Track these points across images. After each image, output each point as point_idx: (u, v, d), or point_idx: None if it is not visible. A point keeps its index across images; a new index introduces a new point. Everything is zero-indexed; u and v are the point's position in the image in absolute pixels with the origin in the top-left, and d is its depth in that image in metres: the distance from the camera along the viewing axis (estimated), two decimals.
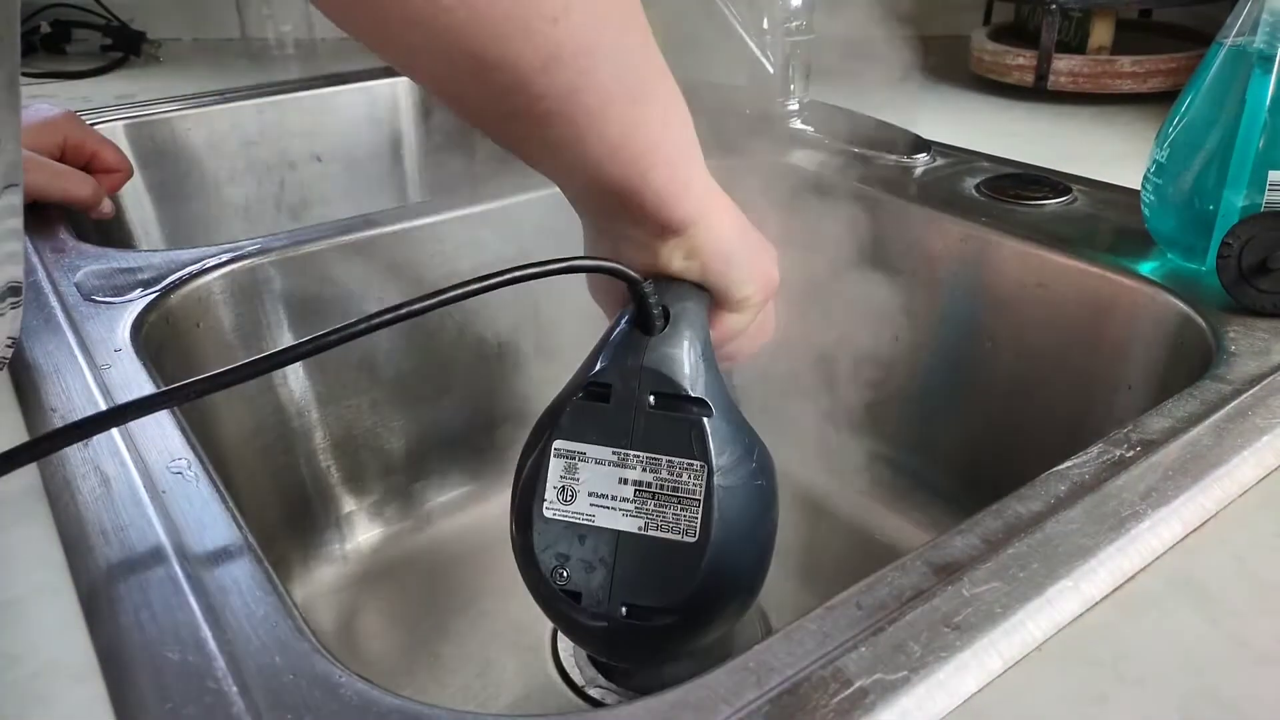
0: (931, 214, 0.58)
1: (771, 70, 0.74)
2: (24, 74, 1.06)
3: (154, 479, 0.33)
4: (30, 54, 1.06)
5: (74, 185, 0.57)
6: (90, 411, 0.36)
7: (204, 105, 0.83)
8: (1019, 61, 0.85)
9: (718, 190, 0.34)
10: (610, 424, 0.31)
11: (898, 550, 0.59)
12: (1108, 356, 0.50)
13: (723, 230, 0.33)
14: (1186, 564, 0.29)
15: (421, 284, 0.59)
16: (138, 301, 0.46)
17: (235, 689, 0.24)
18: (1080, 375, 0.51)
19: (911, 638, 0.25)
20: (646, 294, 0.31)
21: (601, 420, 0.31)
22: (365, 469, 0.61)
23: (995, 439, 0.57)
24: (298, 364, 0.56)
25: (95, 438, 0.35)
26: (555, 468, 0.31)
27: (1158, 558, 0.29)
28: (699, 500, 0.30)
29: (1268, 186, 0.44)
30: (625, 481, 0.30)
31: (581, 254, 0.34)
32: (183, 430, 0.36)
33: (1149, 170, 0.49)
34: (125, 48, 1.05)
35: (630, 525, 0.30)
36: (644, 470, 0.30)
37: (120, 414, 0.30)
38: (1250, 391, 0.37)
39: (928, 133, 0.70)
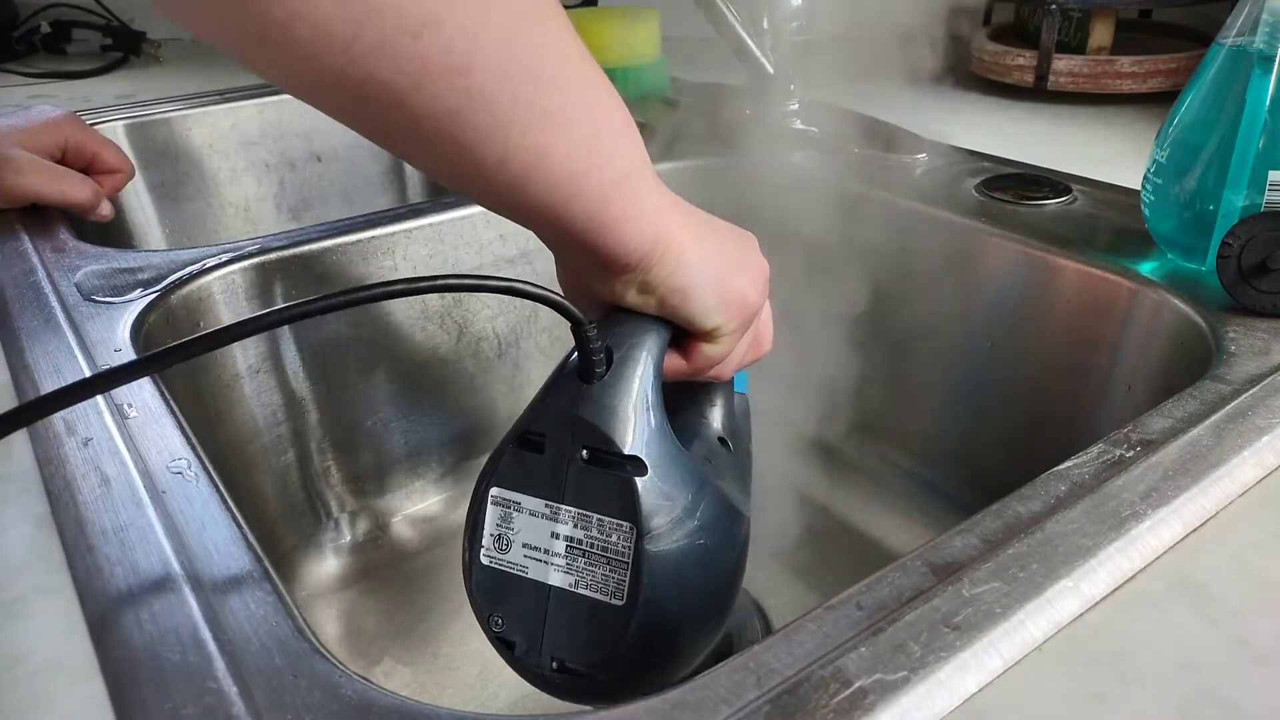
0: (931, 214, 0.58)
1: (771, 70, 0.74)
2: (24, 74, 1.06)
3: (154, 479, 0.33)
4: (30, 54, 1.06)
5: (72, 188, 0.57)
6: (90, 413, 0.36)
7: (204, 105, 0.83)
8: (1019, 62, 0.85)
9: (676, 214, 0.31)
10: (543, 476, 0.30)
11: (898, 550, 0.59)
12: (1108, 356, 0.50)
13: (679, 262, 0.30)
14: (1186, 564, 0.29)
15: None
16: (138, 301, 0.46)
17: (235, 689, 0.24)
18: (1080, 375, 0.51)
19: (911, 638, 0.25)
20: (587, 338, 0.29)
21: (535, 471, 0.30)
22: (365, 469, 0.61)
23: (995, 439, 0.57)
24: (298, 364, 0.56)
25: (95, 438, 0.35)
26: (492, 515, 0.30)
27: (1158, 558, 0.29)
28: (627, 563, 0.28)
29: (1268, 186, 0.44)
30: (557, 536, 0.29)
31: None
32: (183, 430, 0.36)
33: (1149, 170, 0.49)
34: (125, 48, 1.05)
35: (561, 581, 0.29)
36: (575, 526, 0.29)
37: (90, 385, 0.27)
38: (1250, 391, 0.37)
39: (927, 133, 0.70)
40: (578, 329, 0.29)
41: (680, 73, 0.89)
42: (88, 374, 0.39)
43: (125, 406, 0.37)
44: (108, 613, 0.27)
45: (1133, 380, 0.48)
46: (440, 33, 0.22)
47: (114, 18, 1.06)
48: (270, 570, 0.29)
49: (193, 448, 0.34)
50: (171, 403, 0.37)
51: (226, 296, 0.52)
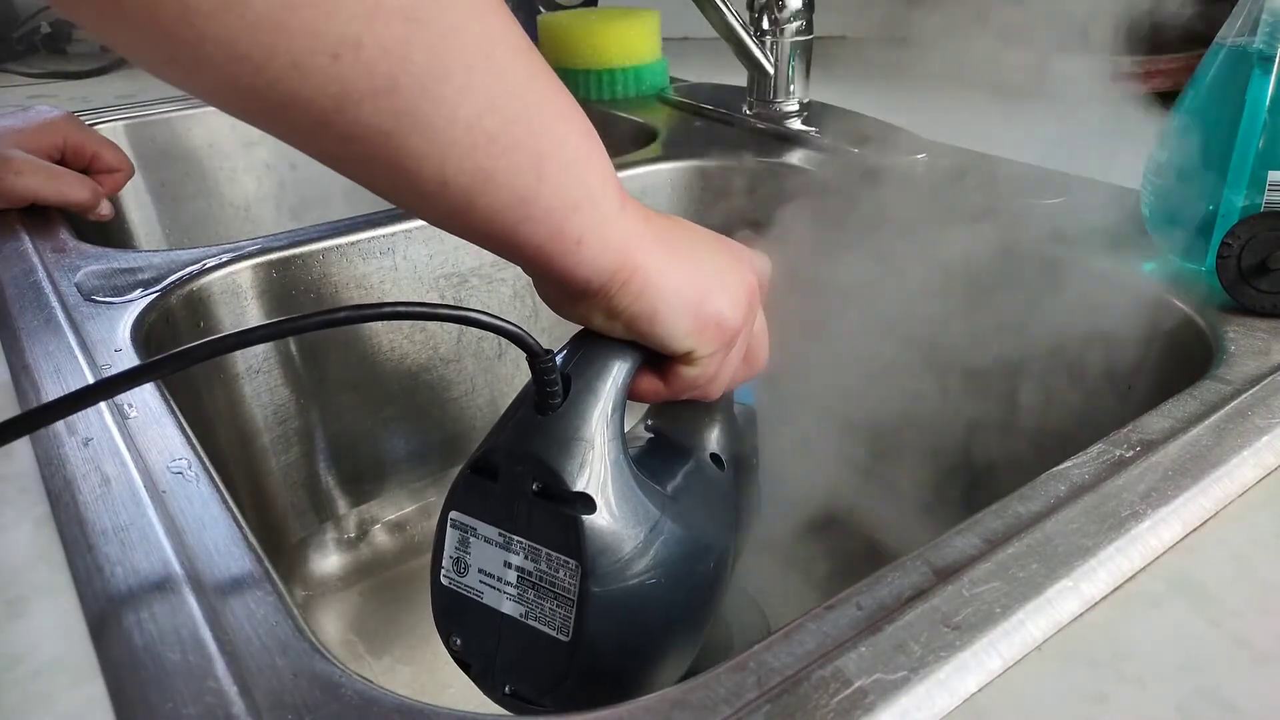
0: (930, 214, 0.58)
1: (771, 70, 0.74)
2: (24, 74, 1.06)
3: (155, 479, 0.33)
4: (30, 54, 1.06)
5: (71, 188, 0.57)
6: (90, 413, 0.36)
7: (204, 106, 0.83)
8: (1019, 61, 0.85)
9: (645, 235, 0.29)
10: (497, 504, 0.29)
11: (898, 550, 0.59)
12: (1107, 356, 0.50)
13: (646, 285, 0.28)
14: (1186, 564, 0.29)
15: (421, 283, 0.59)
16: (138, 302, 0.46)
17: (236, 689, 0.24)
18: (1080, 375, 0.51)
19: (911, 638, 0.25)
20: (542, 369, 0.28)
21: (491, 498, 0.29)
22: (366, 468, 0.61)
23: (995, 438, 0.57)
24: (298, 364, 0.56)
25: (96, 438, 0.35)
26: (451, 538, 0.30)
27: (1157, 558, 0.29)
28: (572, 601, 0.28)
29: (1267, 186, 0.44)
30: (509, 565, 0.29)
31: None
32: (183, 430, 0.36)
33: (1148, 170, 0.49)
34: None
35: (513, 610, 0.29)
36: (525, 558, 0.29)
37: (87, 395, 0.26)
38: (1250, 391, 0.37)
39: (926, 133, 0.70)
40: (533, 360, 0.28)
41: (680, 73, 0.89)
42: (88, 374, 0.39)
43: (126, 406, 0.37)
44: (108, 613, 0.27)
45: (1132, 380, 0.48)
46: (360, 55, 0.21)
47: None
48: (270, 570, 0.29)
49: (193, 448, 0.34)
50: (172, 403, 0.37)
51: (227, 297, 0.52)
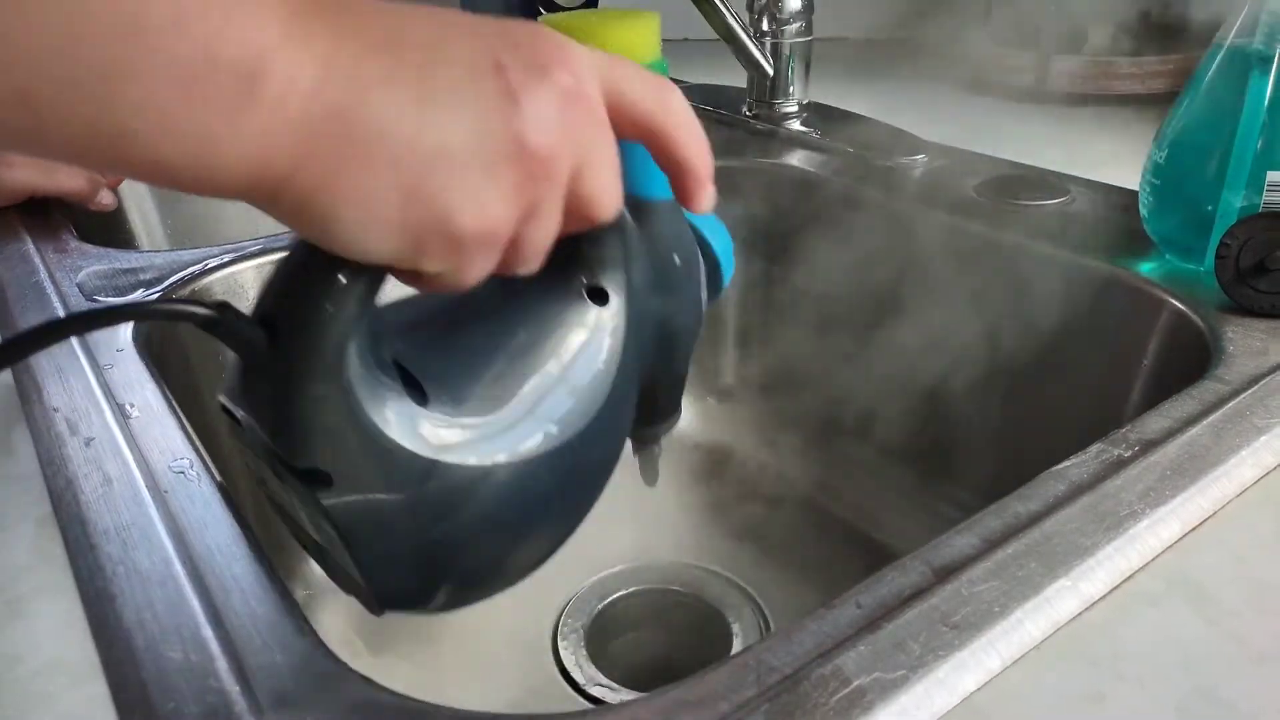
0: (929, 215, 0.58)
1: (771, 71, 0.74)
2: None
3: (156, 478, 0.33)
4: None
5: (67, 178, 0.57)
6: (92, 413, 0.36)
7: None
8: (1018, 63, 0.85)
9: (312, 76, 0.18)
10: (254, 439, 0.23)
11: (898, 550, 0.59)
12: (1106, 356, 0.50)
13: (311, 192, 0.19)
14: (1185, 563, 0.29)
15: None
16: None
17: (237, 688, 0.24)
18: (1079, 375, 0.51)
19: (910, 637, 0.25)
20: (223, 333, 0.21)
21: (248, 432, 0.23)
22: None
23: (994, 438, 0.57)
24: None
25: (98, 438, 0.35)
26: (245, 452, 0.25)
27: (1156, 557, 0.29)
28: (351, 562, 0.23)
29: (1266, 187, 0.44)
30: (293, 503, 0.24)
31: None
32: (185, 430, 0.36)
33: (1147, 171, 0.49)
34: None
35: (317, 536, 0.25)
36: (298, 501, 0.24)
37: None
38: (1248, 391, 0.37)
39: (926, 134, 0.70)
40: (210, 327, 0.21)
41: (680, 74, 0.89)
42: (90, 374, 0.39)
43: (128, 406, 0.37)
44: (109, 612, 0.27)
45: (1131, 380, 0.48)
46: None
47: None
48: (272, 569, 0.29)
49: (195, 447, 0.35)
50: (173, 402, 0.38)
51: (229, 297, 0.52)
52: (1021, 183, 0.60)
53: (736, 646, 0.53)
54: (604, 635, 0.55)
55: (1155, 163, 0.48)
